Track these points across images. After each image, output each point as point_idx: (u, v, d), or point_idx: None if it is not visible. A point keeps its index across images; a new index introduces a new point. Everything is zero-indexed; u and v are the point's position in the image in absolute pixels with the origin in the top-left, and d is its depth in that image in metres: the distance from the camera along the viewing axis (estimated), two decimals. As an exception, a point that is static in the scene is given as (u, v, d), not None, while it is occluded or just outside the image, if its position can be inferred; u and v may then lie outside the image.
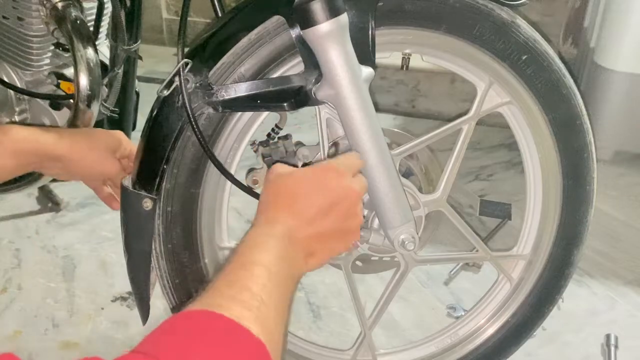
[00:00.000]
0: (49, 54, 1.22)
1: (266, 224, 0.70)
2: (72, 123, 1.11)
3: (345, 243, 0.76)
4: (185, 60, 0.79)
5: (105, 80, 1.19)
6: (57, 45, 1.19)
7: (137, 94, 1.34)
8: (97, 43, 1.16)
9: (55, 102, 1.22)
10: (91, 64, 1.08)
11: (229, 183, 0.89)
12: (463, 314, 1.19)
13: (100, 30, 1.24)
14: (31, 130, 0.94)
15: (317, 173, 0.74)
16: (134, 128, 1.37)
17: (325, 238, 0.72)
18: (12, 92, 1.24)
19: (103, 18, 1.22)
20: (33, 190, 1.64)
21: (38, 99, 1.23)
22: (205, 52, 0.82)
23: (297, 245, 0.69)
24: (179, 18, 0.81)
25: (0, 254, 1.51)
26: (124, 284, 1.40)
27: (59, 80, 1.22)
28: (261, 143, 0.94)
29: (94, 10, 1.21)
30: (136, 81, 1.32)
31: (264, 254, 0.65)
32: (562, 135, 0.96)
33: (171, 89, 0.81)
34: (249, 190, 0.87)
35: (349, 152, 0.82)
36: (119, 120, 1.30)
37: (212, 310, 0.55)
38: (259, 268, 0.63)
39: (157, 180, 0.84)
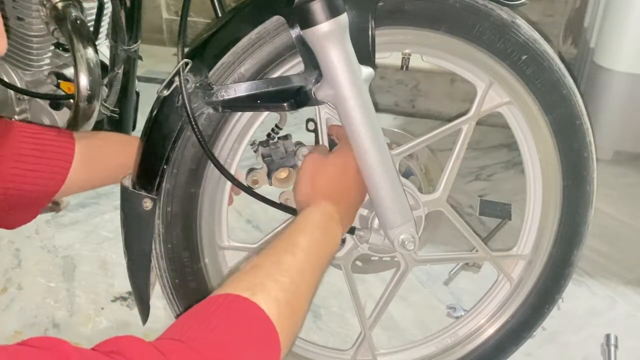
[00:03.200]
0: (49, 54, 1.22)
1: (310, 210, 0.81)
2: (72, 123, 1.11)
3: (362, 196, 0.89)
4: (185, 60, 0.79)
5: (105, 80, 1.18)
6: (57, 45, 1.19)
7: (137, 94, 1.34)
8: (97, 43, 1.16)
9: (55, 102, 1.22)
10: (91, 64, 1.08)
11: (229, 183, 0.89)
12: (463, 314, 1.19)
13: (100, 30, 1.24)
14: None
15: (341, 158, 0.85)
16: (134, 128, 1.36)
17: (352, 205, 0.87)
18: (12, 92, 1.23)
19: (103, 18, 1.22)
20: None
21: (38, 99, 1.23)
22: (205, 52, 0.82)
23: (336, 222, 0.82)
24: (179, 18, 0.81)
25: (0, 254, 1.51)
26: (124, 284, 1.40)
27: (59, 80, 1.22)
28: (261, 143, 0.94)
29: (94, 10, 1.20)
30: (136, 81, 1.32)
31: (306, 237, 0.76)
32: (562, 135, 0.96)
33: (171, 89, 0.81)
34: (249, 190, 0.87)
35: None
36: (119, 120, 1.29)
37: (246, 294, 0.64)
38: (300, 252, 0.74)
39: (157, 180, 0.84)
